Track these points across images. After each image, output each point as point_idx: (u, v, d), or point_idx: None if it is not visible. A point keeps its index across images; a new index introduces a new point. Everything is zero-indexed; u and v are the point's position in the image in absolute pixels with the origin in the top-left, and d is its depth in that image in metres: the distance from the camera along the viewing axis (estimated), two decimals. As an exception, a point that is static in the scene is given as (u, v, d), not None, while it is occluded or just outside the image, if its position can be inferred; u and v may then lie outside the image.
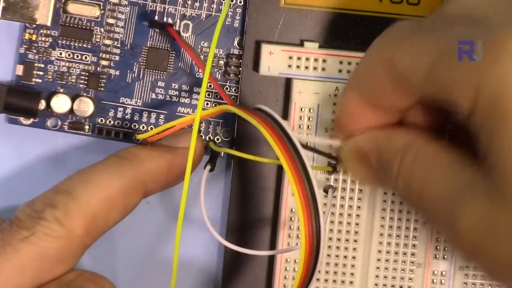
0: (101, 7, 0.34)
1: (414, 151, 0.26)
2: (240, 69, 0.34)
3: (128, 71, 0.34)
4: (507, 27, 0.23)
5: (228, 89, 0.34)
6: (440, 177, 0.25)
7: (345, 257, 0.32)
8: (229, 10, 0.34)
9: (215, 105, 0.34)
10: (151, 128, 0.34)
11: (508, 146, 0.22)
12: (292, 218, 0.32)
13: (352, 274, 0.33)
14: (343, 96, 0.29)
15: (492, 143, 0.23)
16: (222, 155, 0.34)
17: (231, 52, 0.34)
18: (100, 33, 0.34)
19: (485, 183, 0.23)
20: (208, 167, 0.32)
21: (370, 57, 0.27)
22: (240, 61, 0.34)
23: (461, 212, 0.24)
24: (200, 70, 0.34)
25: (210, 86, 0.34)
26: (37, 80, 0.34)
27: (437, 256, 0.33)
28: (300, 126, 0.32)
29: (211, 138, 0.34)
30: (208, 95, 0.34)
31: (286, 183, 0.33)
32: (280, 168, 0.33)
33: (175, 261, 0.28)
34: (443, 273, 0.33)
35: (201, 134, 0.34)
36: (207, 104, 0.34)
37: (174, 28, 0.34)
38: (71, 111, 0.34)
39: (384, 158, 0.28)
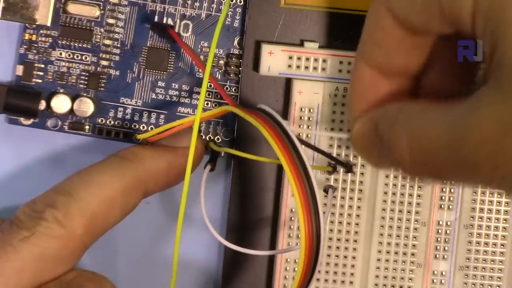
0: (101, 7, 0.34)
1: (404, 112, 0.25)
2: (240, 69, 0.34)
3: (128, 71, 0.34)
4: None
5: (228, 89, 0.34)
6: (438, 120, 0.24)
7: (345, 257, 0.32)
8: (229, 10, 0.34)
9: (216, 105, 0.34)
10: (151, 128, 0.34)
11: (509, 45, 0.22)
12: (292, 218, 0.32)
13: (352, 274, 0.33)
14: (352, 70, 0.28)
15: (493, 46, 0.22)
16: (222, 155, 0.34)
17: (231, 52, 0.34)
18: (100, 33, 0.34)
19: (490, 90, 0.22)
20: (209, 167, 0.32)
21: (370, 17, 0.26)
22: (240, 61, 0.34)
23: (465, 140, 0.22)
24: (200, 70, 0.34)
25: (211, 86, 0.34)
26: (37, 80, 0.34)
27: (437, 256, 0.33)
28: (300, 126, 0.32)
29: (211, 138, 0.34)
30: (209, 95, 0.34)
31: (286, 183, 0.33)
32: (280, 168, 0.33)
33: (175, 261, 0.28)
34: (443, 273, 0.33)
35: (201, 134, 0.34)
36: (207, 104, 0.34)
37: (174, 30, 0.33)
38: (71, 111, 0.34)
39: (381, 132, 0.26)
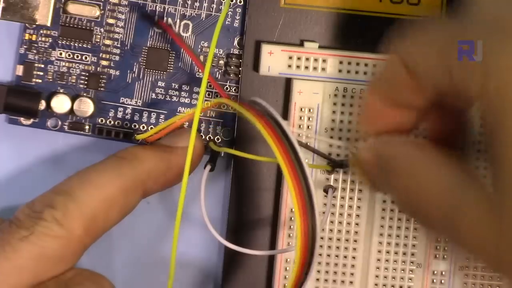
0: (101, 7, 0.34)
1: (408, 154, 0.26)
2: (240, 69, 0.34)
3: (128, 71, 0.34)
4: None
5: (228, 89, 0.34)
6: (435, 179, 0.25)
7: (345, 257, 0.32)
8: (229, 10, 0.34)
9: (213, 113, 0.34)
10: (151, 128, 0.34)
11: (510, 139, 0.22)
12: (292, 218, 0.32)
13: (352, 274, 0.32)
14: (364, 96, 0.29)
15: (495, 132, 0.23)
16: (222, 155, 0.34)
17: (231, 52, 0.34)
18: (100, 33, 0.34)
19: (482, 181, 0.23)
20: (208, 167, 0.32)
21: (387, 59, 0.27)
22: (240, 61, 0.34)
23: (460, 213, 0.24)
24: (200, 70, 0.34)
25: (210, 86, 0.34)
26: (37, 80, 0.34)
27: (437, 256, 0.33)
28: (300, 126, 0.32)
29: (211, 138, 0.34)
30: (208, 95, 0.34)
31: (286, 183, 0.32)
32: (280, 168, 0.33)
33: (173, 261, 0.28)
34: (443, 273, 0.33)
35: (201, 134, 0.34)
36: (208, 113, 0.34)
37: (164, 21, 0.33)
38: (71, 111, 0.34)
39: (382, 164, 0.28)
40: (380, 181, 0.28)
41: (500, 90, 0.23)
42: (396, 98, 0.27)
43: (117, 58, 0.34)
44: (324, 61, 0.32)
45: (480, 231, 0.23)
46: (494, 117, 0.23)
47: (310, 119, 0.32)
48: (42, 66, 0.34)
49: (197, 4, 0.34)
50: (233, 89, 0.34)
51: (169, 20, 0.34)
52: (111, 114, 0.34)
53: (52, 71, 0.34)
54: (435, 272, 0.33)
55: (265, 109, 0.28)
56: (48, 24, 0.33)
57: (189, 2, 0.34)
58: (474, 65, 0.24)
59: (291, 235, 0.32)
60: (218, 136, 0.34)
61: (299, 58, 0.32)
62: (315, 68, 0.32)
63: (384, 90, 0.28)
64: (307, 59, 0.32)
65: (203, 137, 0.34)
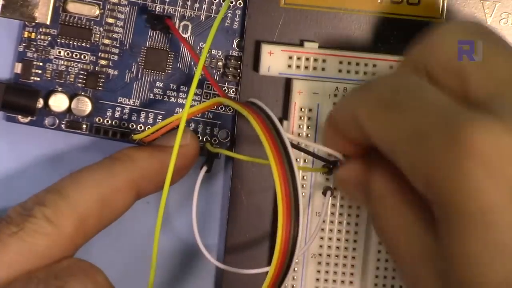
0: (101, 7, 0.34)
1: (384, 204, 0.26)
2: (238, 71, 0.34)
3: (127, 71, 0.34)
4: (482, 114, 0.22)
5: (227, 90, 0.34)
6: (403, 236, 0.25)
7: (345, 257, 0.32)
8: (229, 11, 0.34)
9: (211, 114, 0.34)
10: (149, 129, 0.34)
11: (454, 247, 0.22)
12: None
13: (352, 274, 0.32)
14: (325, 124, 0.29)
15: (447, 232, 0.22)
16: (219, 156, 0.34)
17: (230, 53, 0.34)
18: (99, 33, 0.34)
19: (438, 257, 0.23)
20: (205, 168, 0.32)
21: (346, 109, 0.27)
22: (239, 63, 0.34)
23: (420, 276, 0.24)
24: (205, 74, 0.34)
25: (209, 87, 0.34)
26: (35, 78, 0.34)
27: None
28: (300, 126, 0.32)
29: (208, 139, 0.34)
30: (206, 96, 0.34)
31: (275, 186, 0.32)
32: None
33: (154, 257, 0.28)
34: (443, 273, 0.33)
35: (198, 135, 0.34)
36: (206, 114, 0.34)
37: (171, 20, 0.33)
38: (69, 110, 0.34)
39: (361, 196, 0.28)
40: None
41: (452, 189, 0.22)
42: (345, 133, 0.27)
43: (115, 57, 0.34)
44: (324, 61, 0.32)
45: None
46: (445, 207, 0.22)
47: (310, 119, 0.32)
48: (41, 64, 0.34)
49: (196, 5, 0.34)
50: (231, 91, 0.34)
51: (169, 20, 0.34)
52: (109, 113, 0.34)
53: (50, 69, 0.34)
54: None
55: (262, 109, 0.28)
56: (48, 23, 0.33)
57: (188, 3, 0.34)
58: (424, 157, 0.23)
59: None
60: (215, 138, 0.34)
61: (299, 58, 0.32)
62: (315, 68, 0.32)
63: (335, 124, 0.27)
64: (307, 59, 0.32)
65: (200, 138, 0.34)
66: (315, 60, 0.32)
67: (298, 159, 0.32)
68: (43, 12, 0.33)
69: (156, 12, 0.34)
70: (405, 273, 0.25)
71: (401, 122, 0.24)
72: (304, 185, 0.32)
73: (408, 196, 0.25)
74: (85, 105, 0.34)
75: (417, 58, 0.26)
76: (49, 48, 0.34)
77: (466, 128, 0.22)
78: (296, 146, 0.31)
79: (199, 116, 0.34)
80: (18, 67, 0.34)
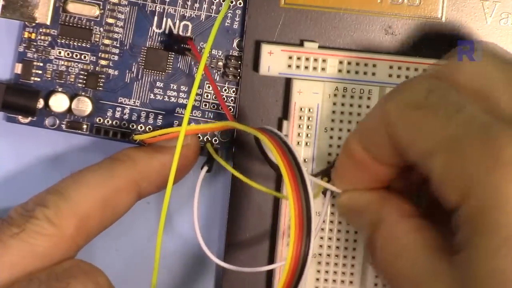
0: (101, 7, 0.34)
1: (385, 229, 0.26)
2: (239, 70, 0.34)
3: (127, 71, 0.34)
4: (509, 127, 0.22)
5: (227, 90, 0.34)
6: (408, 260, 0.25)
7: (345, 257, 0.32)
8: (229, 11, 0.34)
9: (211, 114, 0.34)
10: (149, 129, 0.34)
11: (484, 264, 0.22)
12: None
13: (352, 274, 0.32)
14: (346, 141, 0.28)
15: (469, 247, 0.22)
16: (220, 155, 0.34)
17: (230, 53, 0.34)
18: (99, 33, 0.34)
19: (451, 276, 0.23)
20: (205, 168, 0.32)
21: (376, 115, 0.26)
22: (239, 62, 0.34)
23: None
24: (213, 89, 0.34)
25: (209, 87, 0.34)
26: (35, 78, 0.34)
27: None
28: (300, 126, 0.32)
29: (209, 139, 0.34)
30: (205, 105, 0.34)
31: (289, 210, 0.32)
32: (280, 172, 0.33)
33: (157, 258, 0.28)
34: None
35: (199, 135, 0.34)
36: (206, 114, 0.34)
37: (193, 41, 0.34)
38: (69, 110, 0.34)
39: (360, 225, 0.28)
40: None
41: (482, 213, 0.22)
42: (373, 149, 0.26)
43: (116, 58, 0.34)
44: (324, 61, 0.32)
45: None
46: (472, 232, 0.22)
47: (310, 119, 0.32)
48: (41, 64, 0.34)
49: (197, 5, 0.34)
50: (231, 91, 0.34)
51: (169, 21, 0.34)
52: (109, 113, 0.34)
53: (50, 69, 0.34)
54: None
55: (277, 135, 0.27)
56: (48, 23, 0.33)
57: (189, 3, 0.34)
58: (459, 171, 0.22)
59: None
60: (216, 138, 0.34)
61: (299, 58, 0.32)
62: (315, 68, 0.32)
63: (364, 138, 0.27)
64: (307, 59, 0.32)
65: (200, 138, 0.34)
66: (315, 60, 0.32)
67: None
68: (43, 13, 0.33)
69: (156, 12, 0.34)
70: None
71: (435, 124, 0.23)
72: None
73: (411, 221, 0.25)
74: (85, 105, 0.34)
75: (444, 70, 0.26)
76: (49, 48, 0.34)
77: (504, 139, 0.22)
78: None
79: (199, 116, 0.34)
80: (19, 68, 0.34)
